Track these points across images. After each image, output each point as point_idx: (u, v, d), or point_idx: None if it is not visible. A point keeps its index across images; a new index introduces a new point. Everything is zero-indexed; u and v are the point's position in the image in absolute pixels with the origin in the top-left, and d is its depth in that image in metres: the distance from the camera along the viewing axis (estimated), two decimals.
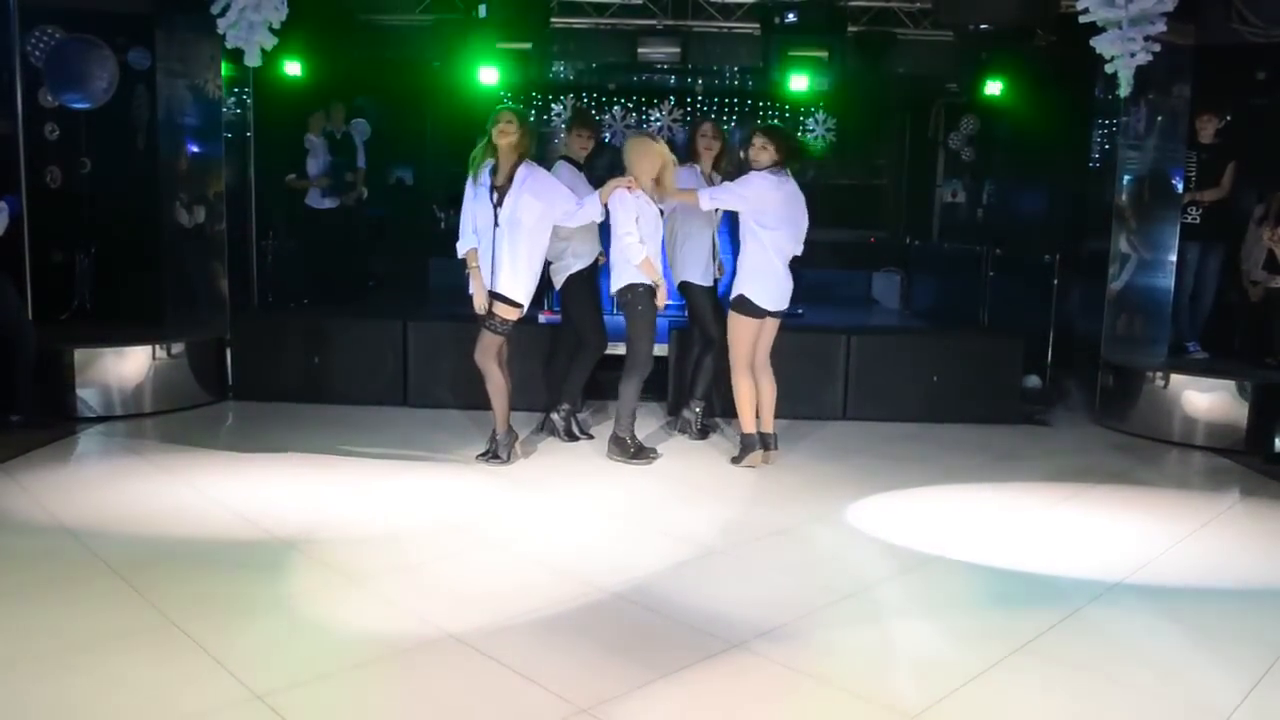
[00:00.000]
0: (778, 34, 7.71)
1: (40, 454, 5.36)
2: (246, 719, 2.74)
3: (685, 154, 6.00)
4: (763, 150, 5.25)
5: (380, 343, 6.74)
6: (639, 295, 5.32)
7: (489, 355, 5.22)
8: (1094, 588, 3.87)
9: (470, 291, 5.24)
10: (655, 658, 3.17)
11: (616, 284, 5.38)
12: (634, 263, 5.23)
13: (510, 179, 5.08)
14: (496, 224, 5.10)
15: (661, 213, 5.45)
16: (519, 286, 5.13)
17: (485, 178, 5.16)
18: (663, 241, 5.67)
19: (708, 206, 5.41)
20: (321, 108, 8.14)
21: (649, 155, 5.28)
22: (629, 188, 5.19)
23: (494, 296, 5.14)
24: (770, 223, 5.23)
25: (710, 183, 5.75)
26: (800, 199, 5.36)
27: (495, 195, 5.11)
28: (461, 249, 5.26)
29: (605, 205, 5.22)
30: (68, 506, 4.48)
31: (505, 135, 5.04)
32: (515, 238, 5.07)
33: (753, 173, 5.26)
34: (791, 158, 5.27)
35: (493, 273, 5.13)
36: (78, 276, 7.52)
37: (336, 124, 8.25)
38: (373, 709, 2.85)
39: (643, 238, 5.23)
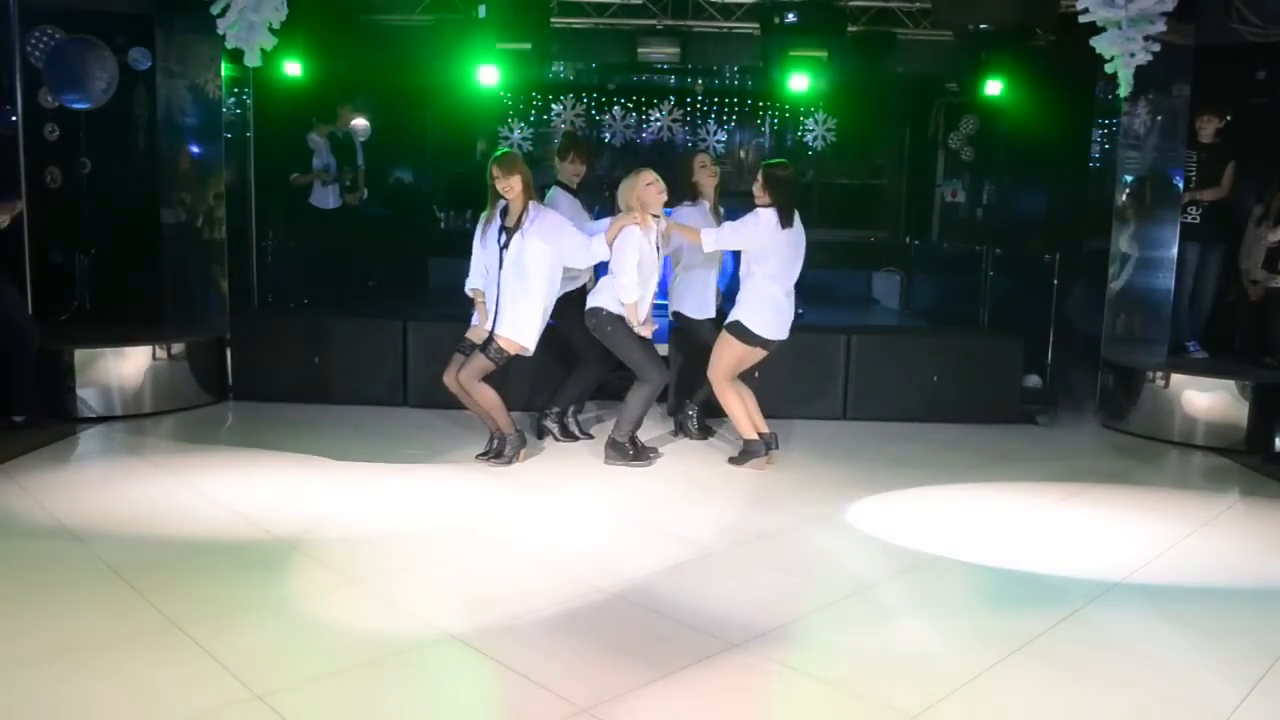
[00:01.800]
0: (777, 34, 7.71)
1: (40, 454, 5.36)
2: (247, 719, 2.74)
3: (685, 191, 5.83)
4: (763, 193, 5.23)
5: (380, 343, 6.74)
6: (603, 319, 5.26)
7: (475, 378, 5.19)
8: (1094, 588, 3.87)
9: (475, 321, 5.33)
10: (655, 658, 3.17)
11: (590, 302, 5.34)
12: (624, 302, 5.18)
13: (519, 222, 5.11)
14: (502, 266, 5.13)
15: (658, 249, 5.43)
16: (524, 330, 5.13)
17: (497, 219, 5.21)
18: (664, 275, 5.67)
19: (711, 248, 5.36)
20: (330, 111, 8.16)
21: (643, 180, 5.17)
22: (639, 224, 5.14)
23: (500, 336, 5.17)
24: (771, 262, 5.22)
25: (715, 216, 5.74)
26: (802, 242, 5.34)
27: (504, 236, 5.14)
28: (469, 286, 5.37)
29: (610, 243, 5.17)
30: (68, 507, 4.48)
31: (511, 190, 5.08)
32: (521, 280, 5.10)
33: (759, 209, 5.22)
34: (786, 206, 5.19)
35: (497, 314, 5.15)
36: (78, 276, 7.52)
37: (342, 124, 8.27)
38: (373, 709, 2.85)
39: (641, 279, 5.18)
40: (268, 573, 3.81)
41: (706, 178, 5.84)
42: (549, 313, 5.30)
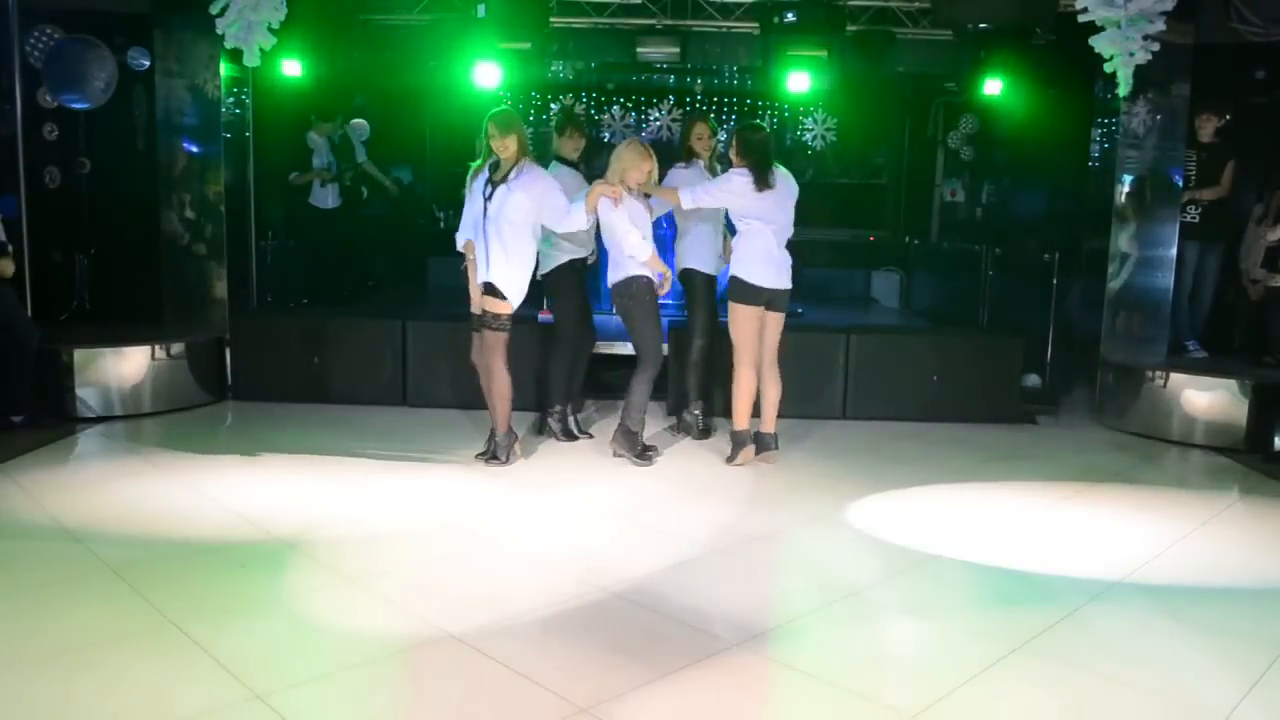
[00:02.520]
0: (777, 33, 7.70)
1: (40, 454, 5.36)
2: (246, 719, 2.74)
3: (680, 154, 5.99)
4: (737, 157, 5.26)
5: (380, 343, 6.74)
6: (640, 288, 5.31)
7: (497, 354, 5.22)
8: (1093, 587, 3.87)
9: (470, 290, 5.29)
10: (655, 657, 3.17)
11: (615, 278, 5.37)
12: (640, 259, 5.23)
13: (506, 176, 5.13)
14: (486, 216, 5.13)
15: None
16: (508, 281, 5.14)
17: (486, 172, 5.21)
18: (669, 232, 5.68)
19: (689, 207, 5.40)
20: (327, 112, 8.14)
21: (639, 168, 5.24)
22: (613, 198, 5.18)
23: (486, 290, 5.16)
24: (753, 220, 5.26)
25: (714, 175, 5.78)
26: (790, 197, 5.34)
27: (489, 189, 5.14)
28: (460, 240, 5.37)
29: (591, 213, 5.21)
30: (67, 507, 4.48)
31: (506, 149, 5.11)
32: (502, 231, 5.11)
33: (732, 170, 5.28)
34: (762, 168, 5.21)
35: (485, 265, 5.17)
36: (77, 276, 7.52)
37: (332, 129, 8.26)
38: (373, 709, 2.85)
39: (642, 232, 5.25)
40: (267, 572, 3.81)
41: (702, 149, 5.90)
42: (531, 269, 5.30)
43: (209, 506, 4.58)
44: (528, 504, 4.81)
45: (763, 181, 5.20)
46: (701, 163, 5.90)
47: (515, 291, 5.18)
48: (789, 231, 5.41)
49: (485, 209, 5.14)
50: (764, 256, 5.28)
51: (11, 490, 4.72)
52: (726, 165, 5.50)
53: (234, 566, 3.86)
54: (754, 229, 5.28)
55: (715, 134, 6.09)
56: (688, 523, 4.53)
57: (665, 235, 6.48)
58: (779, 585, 3.85)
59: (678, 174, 5.76)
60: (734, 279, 5.30)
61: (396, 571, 3.87)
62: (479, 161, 5.25)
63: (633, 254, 5.23)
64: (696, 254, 5.87)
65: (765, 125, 5.52)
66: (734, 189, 5.23)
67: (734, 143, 5.33)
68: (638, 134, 10.81)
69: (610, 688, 2.95)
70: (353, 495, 4.86)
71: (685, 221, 5.85)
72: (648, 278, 5.32)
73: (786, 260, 5.39)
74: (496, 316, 5.18)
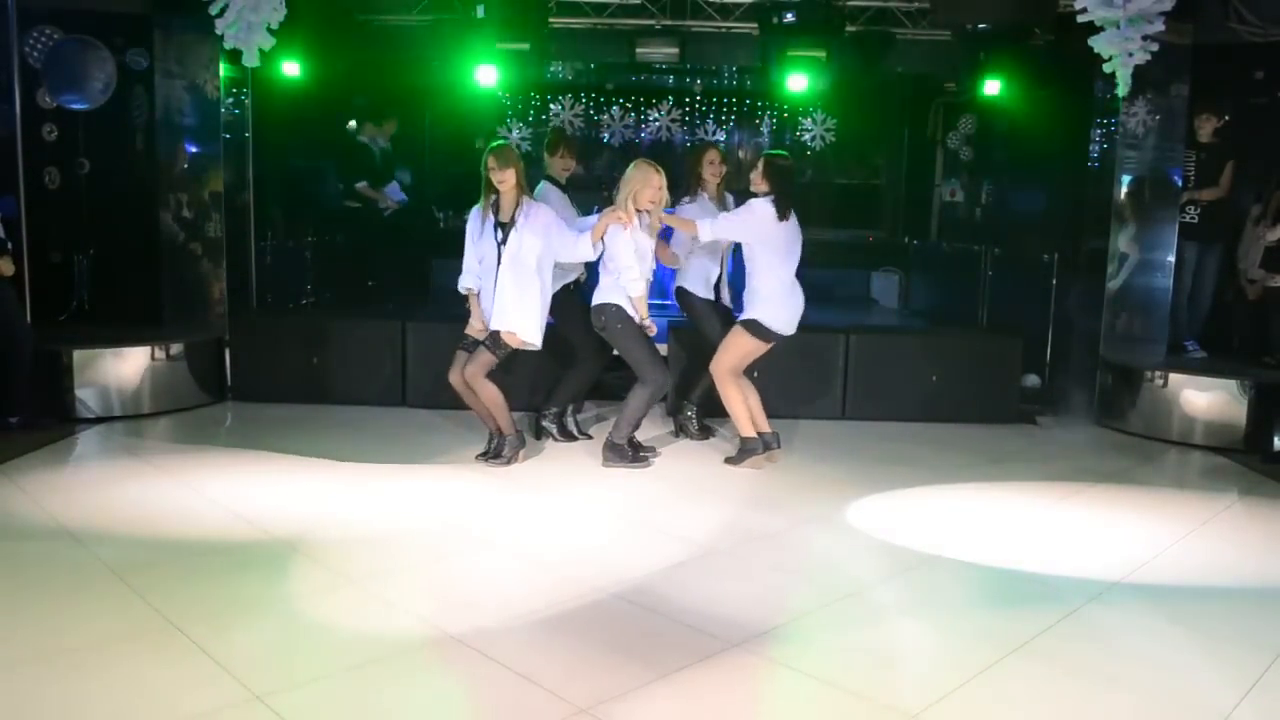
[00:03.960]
0: (776, 34, 7.71)
1: (39, 455, 5.36)
2: (246, 719, 2.74)
3: (688, 183, 5.87)
4: (761, 181, 5.23)
5: (379, 343, 6.74)
6: (613, 316, 5.23)
7: (481, 372, 5.19)
8: (1093, 587, 3.88)
9: (470, 319, 5.31)
10: (655, 658, 3.17)
11: (594, 300, 5.32)
12: (631, 295, 5.18)
13: (514, 217, 5.11)
14: (500, 261, 5.12)
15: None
16: (529, 324, 5.13)
17: (491, 214, 5.19)
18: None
19: (707, 238, 5.34)
20: (376, 115, 8.19)
21: (649, 185, 5.15)
22: (624, 224, 5.13)
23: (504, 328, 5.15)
24: (770, 253, 5.22)
25: (723, 207, 5.73)
26: (799, 235, 5.33)
27: (500, 233, 5.14)
28: (463, 285, 5.34)
29: (598, 242, 5.18)
30: (67, 508, 4.48)
31: (505, 182, 5.09)
32: (520, 275, 5.09)
33: (755, 200, 5.24)
34: (785, 197, 5.19)
35: (496, 306, 5.12)
36: (76, 277, 7.52)
37: (382, 134, 8.29)
38: (373, 709, 2.85)
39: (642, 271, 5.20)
40: (266, 573, 3.81)
41: (711, 175, 5.83)
42: (549, 305, 5.28)
43: (209, 507, 4.57)
44: (527, 504, 4.81)
45: (784, 210, 5.19)
46: (706, 195, 5.81)
47: (537, 331, 5.16)
48: (794, 268, 5.37)
49: (500, 254, 5.12)
50: (784, 301, 5.25)
51: (11, 491, 4.72)
52: (737, 196, 5.44)
53: (234, 567, 3.86)
54: (772, 266, 5.21)
55: (725, 160, 6.00)
56: (687, 523, 4.53)
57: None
58: (779, 585, 3.86)
59: (686, 209, 5.66)
60: (753, 321, 5.24)
61: (396, 572, 3.87)
62: (481, 203, 5.23)
63: (625, 287, 5.16)
64: (692, 277, 5.81)
65: (790, 156, 5.45)
66: (758, 216, 5.17)
67: (760, 168, 5.25)
68: (637, 135, 10.82)
69: (610, 688, 2.95)
70: (352, 496, 4.86)
71: (687, 244, 5.75)
72: (620, 307, 5.21)
73: (801, 301, 5.35)
74: (504, 344, 5.15)
